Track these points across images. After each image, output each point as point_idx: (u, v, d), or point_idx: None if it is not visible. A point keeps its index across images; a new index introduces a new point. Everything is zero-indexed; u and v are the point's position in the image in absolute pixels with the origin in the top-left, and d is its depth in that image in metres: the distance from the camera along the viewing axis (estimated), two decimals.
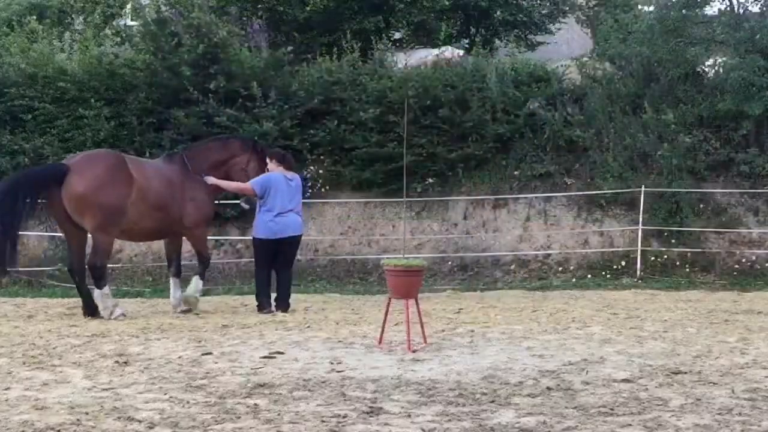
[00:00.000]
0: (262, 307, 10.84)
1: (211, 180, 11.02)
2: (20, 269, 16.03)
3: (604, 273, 15.09)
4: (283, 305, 10.90)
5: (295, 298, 12.88)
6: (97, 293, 10.42)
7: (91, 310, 10.47)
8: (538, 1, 21.29)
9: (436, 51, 17.82)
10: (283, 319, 10.12)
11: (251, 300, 12.75)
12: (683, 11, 16.36)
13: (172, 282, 11.21)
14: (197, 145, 11.90)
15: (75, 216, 10.30)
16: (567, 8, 22.01)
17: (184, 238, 11.34)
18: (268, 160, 11.08)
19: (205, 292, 14.29)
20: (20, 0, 21.91)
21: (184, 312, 10.94)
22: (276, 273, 11.06)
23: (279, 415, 5.36)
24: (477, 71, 16.57)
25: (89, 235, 10.61)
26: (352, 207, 16.28)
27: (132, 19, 21.63)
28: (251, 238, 11.46)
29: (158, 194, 10.66)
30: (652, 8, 17.93)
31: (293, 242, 11.01)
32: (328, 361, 7.16)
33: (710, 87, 16.10)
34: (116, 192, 10.23)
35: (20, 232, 10.49)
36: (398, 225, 15.64)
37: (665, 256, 15.19)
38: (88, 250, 10.66)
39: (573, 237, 15.79)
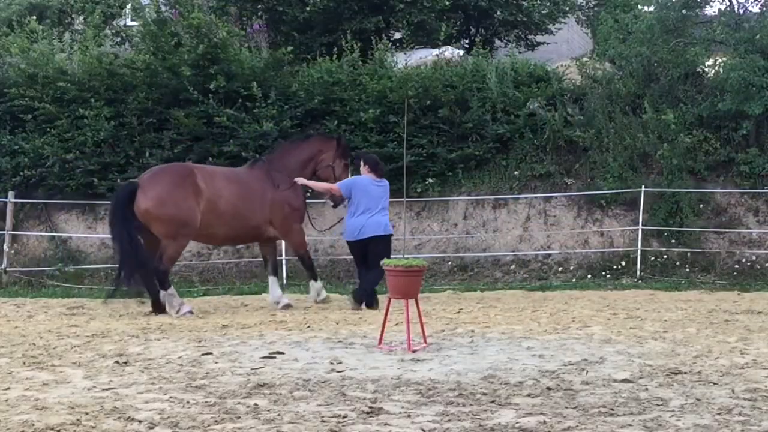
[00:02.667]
0: (368, 305, 11.18)
1: (301, 180, 11.43)
2: (20, 269, 16.07)
3: (604, 273, 15.10)
4: (358, 294, 11.19)
5: (295, 298, 12.91)
6: (162, 294, 10.96)
7: (159, 308, 11.01)
8: (538, 1, 21.28)
9: (436, 51, 17.81)
10: (283, 319, 10.13)
11: (251, 300, 12.79)
12: (683, 11, 16.37)
13: (270, 280, 11.66)
14: (280, 149, 12.21)
15: (146, 226, 10.99)
16: (567, 8, 22.00)
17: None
18: (361, 164, 11.45)
19: (204, 292, 14.35)
20: (20, 0, 21.90)
21: (285, 308, 11.25)
22: (363, 273, 11.45)
23: (279, 415, 5.36)
24: (477, 71, 16.56)
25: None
26: None
27: (132, 19, 21.64)
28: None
29: (231, 203, 11.18)
30: (652, 8, 17.93)
31: (379, 242, 11.15)
32: (328, 361, 7.16)
33: (710, 87, 16.09)
34: (180, 205, 10.86)
35: (135, 247, 10.92)
36: (398, 225, 15.65)
37: (665, 256, 15.20)
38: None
39: (573, 237, 15.80)
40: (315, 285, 11.70)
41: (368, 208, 11.07)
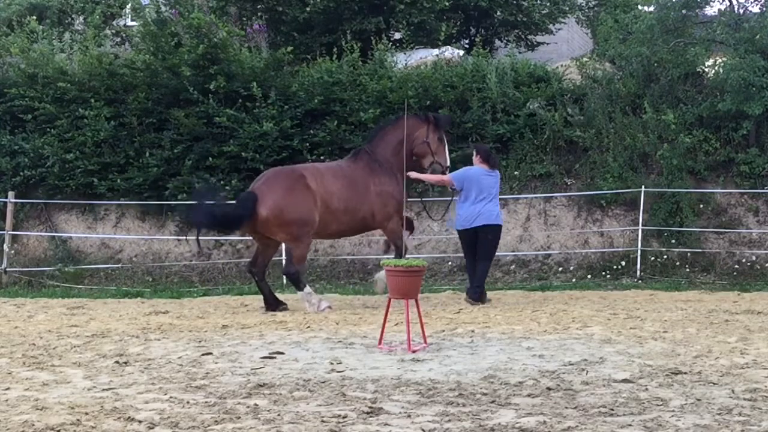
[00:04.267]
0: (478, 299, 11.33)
1: (413, 175, 11.54)
2: (20, 269, 16.07)
3: (604, 273, 15.10)
4: (474, 294, 11.26)
5: (295, 299, 12.90)
6: (300, 295, 11.29)
7: (271, 306, 11.26)
8: (538, 1, 21.28)
9: (436, 51, 17.81)
10: (283, 319, 10.13)
11: (251, 300, 12.78)
12: (683, 11, 16.36)
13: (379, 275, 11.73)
14: (374, 136, 12.24)
15: (267, 234, 11.29)
16: (567, 8, 21.99)
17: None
18: (474, 155, 11.66)
19: (204, 292, 14.34)
20: (20, 0, 21.90)
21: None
22: (475, 264, 11.59)
23: (279, 415, 5.36)
24: (477, 71, 16.55)
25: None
26: None
27: (132, 20, 21.64)
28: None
29: (341, 199, 11.38)
30: (652, 8, 17.92)
31: (489, 231, 11.32)
32: (328, 361, 7.16)
33: (710, 87, 16.09)
34: (298, 208, 11.10)
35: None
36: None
37: (665, 257, 15.20)
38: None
39: (573, 237, 15.80)
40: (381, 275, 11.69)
41: (480, 198, 11.26)
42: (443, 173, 11.84)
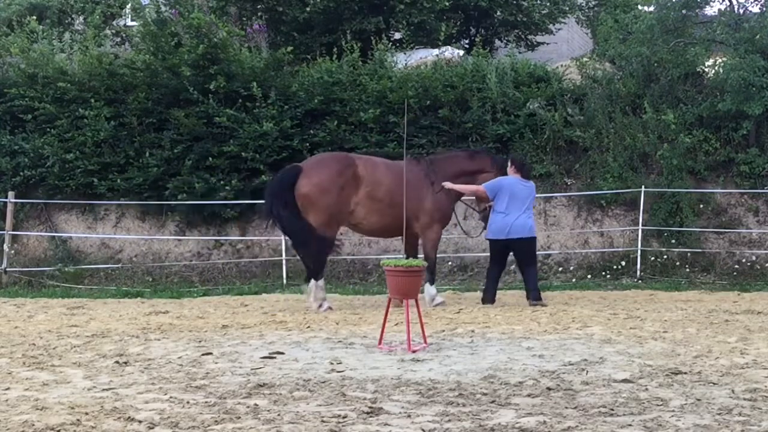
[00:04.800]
0: (484, 300, 11.43)
1: (448, 185, 11.53)
2: (20, 269, 16.08)
3: (604, 273, 15.10)
4: (534, 296, 11.29)
5: (295, 298, 12.91)
6: (312, 283, 11.15)
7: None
8: (538, 1, 21.28)
9: (436, 51, 17.82)
10: (283, 319, 10.13)
11: (251, 300, 12.80)
12: (683, 11, 16.36)
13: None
14: (445, 153, 12.38)
15: (302, 211, 11.14)
16: (567, 8, 22.00)
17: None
18: (508, 165, 11.56)
19: (204, 292, 14.35)
20: (20, 0, 21.91)
21: (437, 305, 11.29)
22: (520, 271, 11.82)
23: (279, 415, 5.36)
24: (477, 71, 16.56)
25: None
26: None
27: (132, 19, 21.65)
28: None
29: (390, 192, 11.26)
30: (652, 8, 17.92)
31: (524, 243, 11.31)
32: (328, 361, 7.16)
33: (710, 87, 16.09)
34: (338, 194, 11.04)
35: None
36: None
37: (665, 257, 15.20)
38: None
39: (573, 237, 15.80)
40: (430, 289, 11.58)
41: (514, 209, 11.21)
42: (483, 210, 11.81)
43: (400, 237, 11.49)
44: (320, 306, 11.00)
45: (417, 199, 11.36)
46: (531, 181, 11.71)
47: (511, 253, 11.58)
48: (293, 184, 11.03)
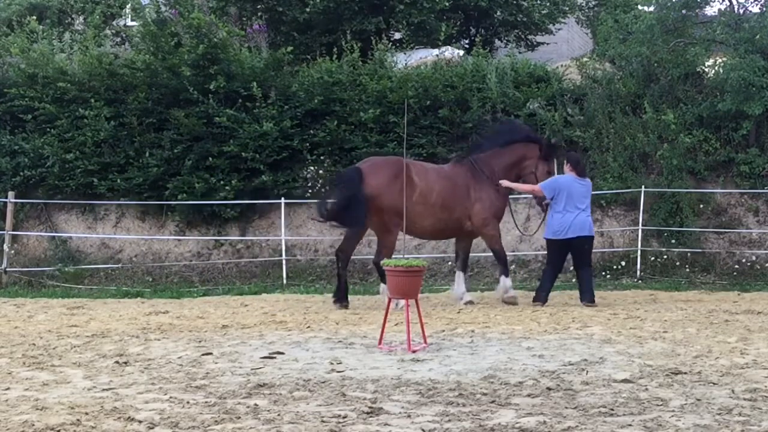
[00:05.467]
0: (536, 299, 11.38)
1: (505, 183, 11.65)
2: (20, 269, 16.08)
3: (604, 273, 15.09)
4: (588, 297, 11.24)
5: (295, 298, 12.92)
6: (382, 288, 11.16)
7: (340, 298, 11.49)
8: (538, 1, 21.28)
9: (436, 51, 17.81)
10: (283, 319, 10.13)
11: (251, 300, 12.79)
12: (683, 11, 16.36)
13: (457, 275, 11.86)
14: (480, 146, 12.29)
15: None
16: (567, 8, 22.00)
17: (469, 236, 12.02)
18: (564, 163, 11.62)
19: (204, 292, 14.35)
20: (20, 0, 21.91)
21: (466, 304, 11.34)
22: (576, 272, 11.77)
23: (279, 415, 5.36)
24: (477, 71, 16.55)
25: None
26: None
27: (132, 19, 21.64)
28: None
29: (441, 195, 11.49)
30: (652, 8, 17.92)
31: (582, 242, 11.30)
32: (328, 361, 7.16)
33: (710, 87, 16.09)
34: (396, 197, 11.08)
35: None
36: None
37: (665, 257, 15.19)
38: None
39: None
40: (505, 282, 11.69)
41: (572, 208, 11.19)
42: (543, 205, 11.85)
43: (453, 238, 11.84)
44: (397, 304, 11.05)
45: (467, 201, 11.58)
46: (587, 179, 11.71)
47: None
48: (358, 184, 11.15)
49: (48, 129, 16.65)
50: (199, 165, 16.16)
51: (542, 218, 12.17)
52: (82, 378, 6.59)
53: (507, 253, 15.36)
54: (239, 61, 16.48)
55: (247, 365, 7.05)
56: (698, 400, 5.68)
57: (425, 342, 7.92)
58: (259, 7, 19.34)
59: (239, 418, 5.31)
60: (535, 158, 11.89)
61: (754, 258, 15.21)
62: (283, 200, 15.87)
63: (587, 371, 6.65)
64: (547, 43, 22.14)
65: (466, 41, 21.34)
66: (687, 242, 15.29)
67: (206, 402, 5.73)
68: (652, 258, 15.23)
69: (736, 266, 15.13)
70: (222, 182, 15.96)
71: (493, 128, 13.58)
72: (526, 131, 12.64)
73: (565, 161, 11.67)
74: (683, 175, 15.55)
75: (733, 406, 5.50)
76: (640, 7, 19.48)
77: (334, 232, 15.35)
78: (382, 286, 11.35)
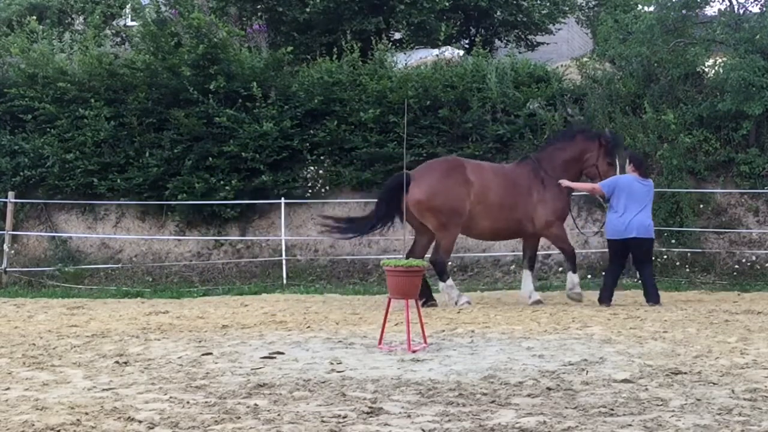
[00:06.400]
0: (601, 300, 11.29)
1: (565, 183, 11.65)
2: (20, 269, 16.08)
3: (604, 273, 15.05)
4: (654, 299, 11.16)
5: (295, 299, 12.92)
6: (442, 286, 11.48)
7: (421, 296, 11.39)
8: (538, 1, 21.28)
9: (436, 51, 17.81)
10: (283, 319, 10.13)
11: (251, 300, 12.79)
12: (683, 11, 16.35)
13: (525, 274, 11.92)
14: (544, 148, 12.37)
15: (419, 218, 11.42)
16: (567, 8, 21.99)
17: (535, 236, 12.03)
18: (626, 163, 11.57)
19: (204, 292, 14.35)
20: (20, 0, 21.91)
21: (535, 303, 11.36)
22: (638, 272, 11.78)
23: (279, 415, 5.36)
24: (477, 71, 16.55)
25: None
26: (352, 207, 16.27)
27: (132, 19, 21.65)
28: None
29: (499, 196, 11.47)
30: (652, 8, 17.92)
31: (642, 243, 11.25)
32: (328, 361, 7.16)
33: (710, 87, 16.08)
34: (450, 196, 11.24)
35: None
36: (398, 225, 15.63)
37: (665, 257, 15.18)
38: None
39: (573, 237, 15.74)
40: (573, 277, 11.75)
41: (632, 208, 11.14)
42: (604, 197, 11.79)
43: (515, 239, 11.94)
44: (457, 302, 11.22)
45: (528, 202, 11.57)
46: (649, 179, 11.66)
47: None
48: (403, 190, 11.02)
49: (48, 129, 16.66)
50: (199, 165, 16.17)
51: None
52: (82, 378, 6.59)
53: (510, 253, 15.51)
54: (239, 61, 16.49)
55: (247, 365, 7.05)
56: (698, 400, 5.68)
57: (425, 342, 7.92)
58: (259, 7, 19.34)
59: (239, 418, 5.31)
60: (596, 151, 11.87)
61: (754, 258, 15.20)
62: (283, 200, 15.87)
63: (587, 371, 6.65)
64: (547, 43, 22.14)
65: (466, 41, 21.34)
66: (687, 242, 15.29)
67: (206, 402, 5.73)
68: (652, 258, 15.21)
69: (736, 266, 15.12)
70: (222, 182, 15.97)
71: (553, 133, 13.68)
72: (583, 127, 12.62)
73: (627, 161, 11.59)
74: (683, 175, 15.54)
75: (733, 406, 5.50)
76: (640, 7, 19.47)
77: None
78: (441, 284, 11.52)
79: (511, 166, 12.28)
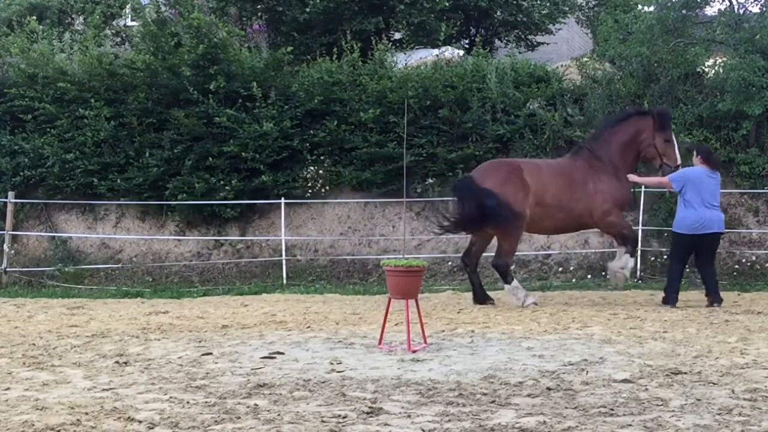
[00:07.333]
0: (667, 300, 11.07)
1: (633, 178, 11.61)
2: (20, 269, 16.07)
3: (604, 273, 15.05)
4: (716, 298, 11.01)
5: (295, 299, 12.91)
6: (507, 288, 11.46)
7: (479, 299, 11.51)
8: (538, 1, 21.28)
9: (436, 51, 17.81)
10: (283, 319, 10.13)
11: (251, 300, 12.79)
12: (683, 11, 16.34)
13: (618, 251, 11.83)
14: (597, 135, 12.14)
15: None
16: (567, 8, 21.99)
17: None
18: (694, 155, 11.38)
19: (204, 292, 14.34)
20: (20, 0, 21.91)
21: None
22: (698, 270, 11.51)
23: (279, 415, 5.36)
24: (477, 71, 16.54)
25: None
26: (352, 207, 16.28)
27: (132, 19, 21.65)
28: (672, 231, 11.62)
29: (556, 196, 11.42)
30: (652, 8, 17.92)
31: (713, 239, 11.13)
32: (328, 361, 7.16)
33: (710, 87, 16.07)
34: (509, 197, 11.13)
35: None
36: (398, 225, 15.65)
37: (665, 257, 15.17)
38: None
39: (573, 237, 15.76)
40: (628, 260, 11.65)
41: (703, 202, 10.95)
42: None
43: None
44: (524, 303, 11.17)
45: (586, 196, 11.48)
46: (718, 172, 11.36)
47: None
48: (478, 190, 11.11)
49: (48, 129, 16.66)
50: (199, 165, 16.17)
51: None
52: (82, 378, 6.60)
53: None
54: (239, 61, 16.49)
55: (247, 365, 7.05)
56: (698, 400, 5.68)
57: (425, 342, 7.92)
58: (259, 7, 19.33)
59: (239, 418, 5.31)
60: (650, 130, 11.68)
61: (754, 258, 15.20)
62: (283, 200, 15.87)
63: (587, 371, 6.65)
64: (547, 43, 22.14)
65: (466, 41, 21.33)
66: None
67: (206, 402, 5.73)
68: (652, 258, 15.22)
69: (736, 266, 15.11)
70: (222, 182, 15.97)
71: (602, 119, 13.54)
72: (633, 109, 12.55)
73: (695, 153, 11.37)
74: None
75: (733, 406, 5.50)
76: (640, 7, 19.47)
77: (334, 232, 15.40)
78: (507, 286, 11.47)
79: (566, 161, 12.08)
